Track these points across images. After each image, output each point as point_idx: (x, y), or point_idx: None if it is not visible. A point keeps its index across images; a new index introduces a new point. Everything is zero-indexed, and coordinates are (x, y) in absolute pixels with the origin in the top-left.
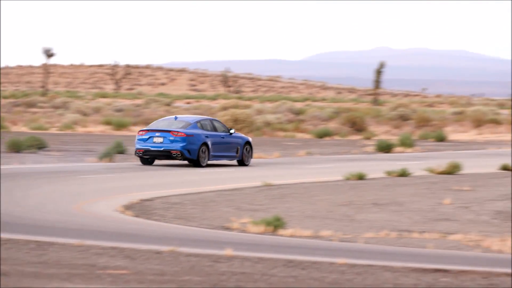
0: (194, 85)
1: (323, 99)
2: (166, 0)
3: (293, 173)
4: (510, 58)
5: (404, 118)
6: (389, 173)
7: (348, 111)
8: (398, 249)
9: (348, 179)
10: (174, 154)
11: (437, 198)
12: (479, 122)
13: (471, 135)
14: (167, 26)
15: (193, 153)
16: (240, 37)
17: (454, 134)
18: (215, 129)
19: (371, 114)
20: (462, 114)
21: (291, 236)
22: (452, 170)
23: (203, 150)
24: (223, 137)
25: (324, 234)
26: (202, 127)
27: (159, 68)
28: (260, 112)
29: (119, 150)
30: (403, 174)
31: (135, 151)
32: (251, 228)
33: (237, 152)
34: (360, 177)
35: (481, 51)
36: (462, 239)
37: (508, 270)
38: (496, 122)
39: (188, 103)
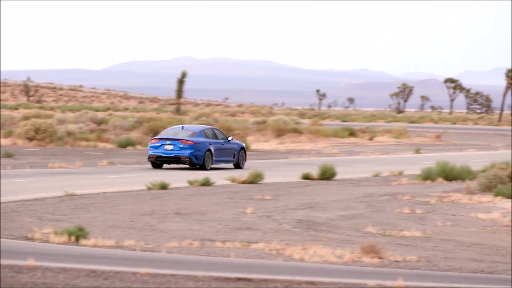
0: None
1: (126, 109)
2: None
3: (95, 183)
4: (312, 68)
5: None
6: (191, 182)
7: (150, 121)
8: (201, 258)
9: (150, 188)
10: (183, 160)
11: (240, 207)
12: (280, 132)
13: (272, 144)
14: None
15: (200, 159)
16: (41, 46)
17: (256, 143)
18: (216, 137)
19: (174, 123)
20: (263, 124)
21: (94, 246)
22: (254, 179)
23: (208, 155)
24: (223, 144)
25: (127, 244)
26: (206, 135)
27: None
28: (61, 121)
29: None
30: (206, 183)
31: (148, 157)
32: (53, 238)
33: (234, 157)
34: (163, 186)
35: (283, 61)
36: (265, 248)
37: (309, 279)
38: (297, 131)
39: None
